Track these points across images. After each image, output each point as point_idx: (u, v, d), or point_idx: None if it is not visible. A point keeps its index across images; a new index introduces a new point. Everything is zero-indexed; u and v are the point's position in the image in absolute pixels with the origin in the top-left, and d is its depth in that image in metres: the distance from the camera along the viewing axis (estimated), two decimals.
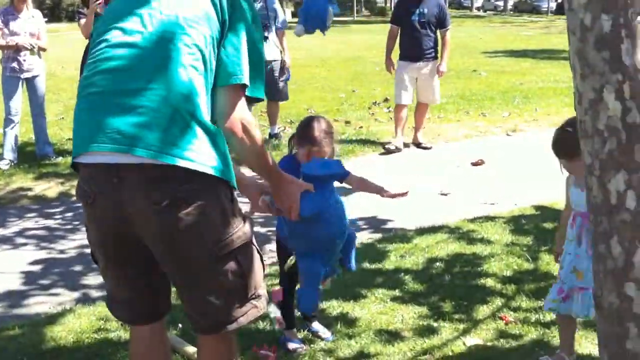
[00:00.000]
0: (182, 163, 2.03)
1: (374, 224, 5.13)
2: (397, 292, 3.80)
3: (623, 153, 1.93)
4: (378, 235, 4.83)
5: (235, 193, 2.24)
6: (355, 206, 5.42)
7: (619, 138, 1.93)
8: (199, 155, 2.06)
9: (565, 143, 2.88)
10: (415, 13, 7.31)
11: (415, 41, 7.34)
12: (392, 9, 8.24)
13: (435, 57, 7.53)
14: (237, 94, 2.17)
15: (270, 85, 7.10)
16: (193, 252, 2.12)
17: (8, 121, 7.00)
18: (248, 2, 2.26)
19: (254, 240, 2.28)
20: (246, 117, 2.18)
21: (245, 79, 2.17)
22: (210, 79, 2.15)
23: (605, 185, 1.96)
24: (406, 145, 7.62)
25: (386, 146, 7.43)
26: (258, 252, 2.31)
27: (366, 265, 4.19)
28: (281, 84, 7.62)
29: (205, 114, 2.11)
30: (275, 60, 7.45)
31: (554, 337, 3.29)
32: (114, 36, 2.15)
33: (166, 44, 2.10)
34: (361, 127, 8.68)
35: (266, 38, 7.22)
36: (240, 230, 2.20)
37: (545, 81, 12.61)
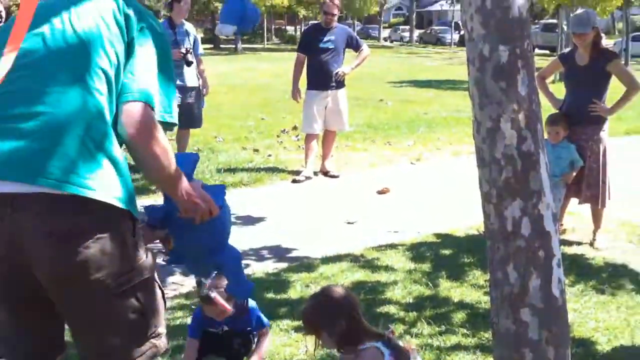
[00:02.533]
0: (83, 192, 1.91)
1: (279, 252, 5.07)
2: (301, 323, 3.74)
3: (519, 181, 1.98)
4: (283, 265, 4.77)
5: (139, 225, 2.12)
6: (261, 235, 5.40)
7: (515, 166, 1.97)
8: (102, 184, 1.94)
9: (306, 318, 2.75)
10: (322, 41, 7.34)
11: (323, 69, 7.35)
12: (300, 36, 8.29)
13: (344, 85, 7.60)
14: (145, 110, 2.03)
15: (187, 112, 7.08)
16: (91, 288, 1.98)
17: None
18: (157, 25, 2.18)
19: (155, 276, 2.16)
20: (153, 127, 2.03)
21: (154, 101, 2.06)
22: (114, 104, 2.04)
23: (502, 213, 1.99)
24: (314, 173, 7.63)
25: (296, 178, 7.40)
26: (160, 287, 2.19)
27: (270, 295, 4.13)
28: (196, 111, 7.50)
29: (109, 141, 1.99)
30: (194, 87, 7.36)
31: None
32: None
33: (68, 65, 1.99)
34: (270, 155, 8.65)
35: (190, 63, 7.15)
36: (141, 264, 2.08)
37: (448, 111, 13.00)
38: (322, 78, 7.39)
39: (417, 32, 53.00)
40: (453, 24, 46.99)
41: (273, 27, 41.72)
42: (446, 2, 51.93)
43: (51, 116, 1.93)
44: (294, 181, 7.35)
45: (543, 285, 1.98)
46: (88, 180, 1.92)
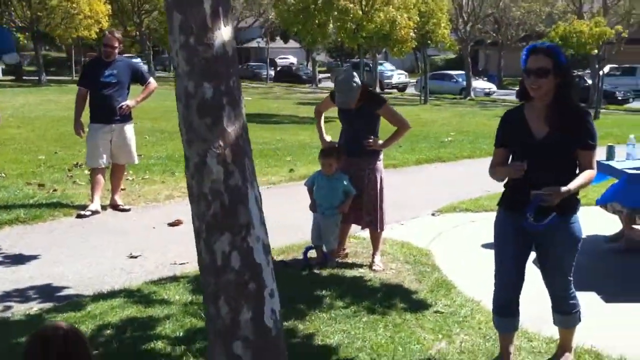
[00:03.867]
0: None
1: (48, 292, 4.80)
2: None
3: (227, 215, 2.01)
4: (49, 305, 4.51)
5: None
6: (29, 274, 5.09)
7: (222, 201, 2.01)
8: None
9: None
10: (104, 74, 7.13)
11: (105, 103, 7.14)
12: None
13: (131, 119, 7.42)
14: None
15: None
16: None
17: None
18: None
19: None
20: None
21: None
22: None
23: (212, 247, 2.02)
24: (104, 207, 7.34)
25: (81, 213, 7.07)
26: None
27: (25, 338, 3.87)
28: None
29: None
30: None
31: None
32: None
33: None
34: (55, 190, 8.21)
35: None
36: None
37: (256, 143, 13.15)
38: (104, 112, 7.16)
39: None
40: (268, 61, 48.07)
41: (83, 59, 39.97)
42: (262, 39, 53.01)
43: None
44: (79, 216, 7.03)
45: (255, 317, 2.01)
46: None
